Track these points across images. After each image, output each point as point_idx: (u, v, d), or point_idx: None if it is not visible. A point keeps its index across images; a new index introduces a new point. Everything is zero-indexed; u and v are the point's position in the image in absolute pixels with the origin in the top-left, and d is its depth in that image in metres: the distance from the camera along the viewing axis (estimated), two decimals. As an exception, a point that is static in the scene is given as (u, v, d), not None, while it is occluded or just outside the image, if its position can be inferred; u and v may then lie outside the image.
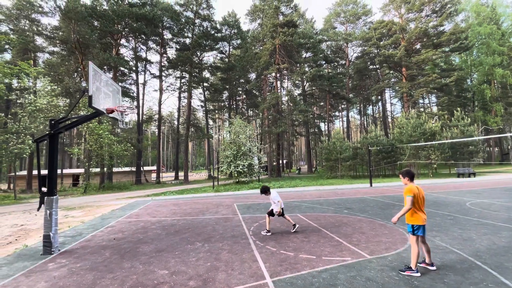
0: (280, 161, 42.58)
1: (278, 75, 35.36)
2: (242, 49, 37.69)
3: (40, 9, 25.91)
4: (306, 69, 39.18)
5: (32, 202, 17.83)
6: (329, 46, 47.79)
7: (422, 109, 47.87)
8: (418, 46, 38.00)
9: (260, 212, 9.29)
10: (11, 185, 32.81)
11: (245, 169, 23.33)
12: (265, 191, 6.58)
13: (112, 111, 6.20)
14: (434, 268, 4.04)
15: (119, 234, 6.97)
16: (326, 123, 56.38)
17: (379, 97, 51.87)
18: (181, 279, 4.01)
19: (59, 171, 34.98)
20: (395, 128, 29.39)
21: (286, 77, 43.73)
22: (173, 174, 47.20)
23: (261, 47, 35.21)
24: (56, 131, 5.89)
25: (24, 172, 32.56)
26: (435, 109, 49.15)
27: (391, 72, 43.79)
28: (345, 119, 56.20)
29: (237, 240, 5.99)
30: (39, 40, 29.94)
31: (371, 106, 60.98)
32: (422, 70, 37.61)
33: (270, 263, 4.55)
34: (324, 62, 43.28)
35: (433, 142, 21.27)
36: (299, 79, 40.95)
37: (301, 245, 5.49)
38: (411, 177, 4.08)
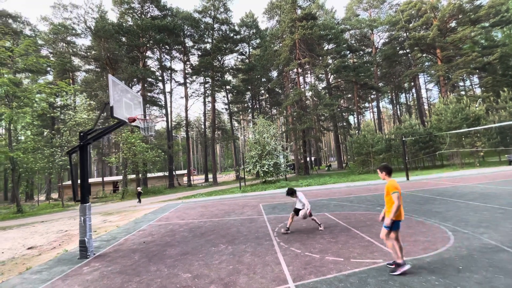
0: (308, 159, 41.68)
1: (299, 70, 34.59)
2: (261, 48, 37.55)
3: (73, 31, 28.45)
4: (330, 61, 37.81)
5: (77, 209, 19.50)
6: (352, 35, 45.60)
7: (462, 93, 43.47)
8: (453, 24, 34.57)
9: (285, 212, 9.04)
10: (62, 194, 36.38)
11: (270, 169, 23.13)
12: (291, 193, 6.44)
13: (134, 120, 6.44)
14: (393, 266, 3.80)
15: (149, 237, 7.23)
16: (355, 116, 53.94)
17: (412, 83, 48.20)
18: (202, 283, 3.97)
19: (100, 179, 37.99)
20: (433, 116, 27.04)
21: (309, 72, 42.67)
22: (203, 176, 48.67)
23: (280, 44, 34.76)
24: (86, 142, 6.27)
25: (70, 182, 35.74)
26: (478, 91, 44.37)
27: (423, 55, 40.45)
28: (375, 110, 53.29)
29: (260, 242, 5.85)
30: (76, 60, 32.82)
31: (403, 94, 57.00)
32: (459, 49, 34.13)
33: (294, 266, 4.32)
34: (348, 52, 41.38)
35: (478, 128, 19.13)
36: (322, 72, 39.65)
37: (328, 246, 5.17)
38: (389, 171, 3.89)
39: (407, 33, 38.06)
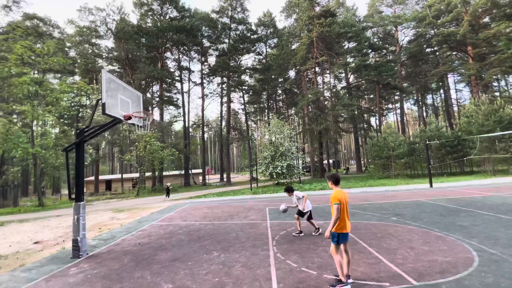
0: (326, 161, 40.41)
1: (317, 69, 33.59)
2: (278, 47, 36.99)
3: (95, 33, 29.66)
4: (349, 60, 36.36)
5: (95, 204, 20.16)
6: (375, 33, 43.55)
7: (496, 93, 39.99)
8: (486, 19, 31.81)
9: (291, 218, 8.48)
10: (85, 189, 38.15)
11: (283, 170, 22.50)
12: (288, 190, 6.48)
13: (129, 118, 6.25)
14: (351, 280, 3.64)
15: (145, 239, 7.03)
16: (377, 117, 51.60)
17: (440, 83, 45.18)
18: (180, 297, 3.61)
19: (119, 175, 39.34)
20: (462, 118, 24.96)
21: (328, 71, 41.37)
22: (219, 176, 48.93)
23: (298, 43, 33.99)
24: (82, 139, 6.18)
25: (92, 178, 37.38)
26: (515, 91, 40.57)
27: (453, 53, 37.68)
28: (399, 111, 50.61)
29: (256, 251, 5.39)
30: (100, 62, 34.21)
31: (430, 95, 53.60)
32: (493, 47, 31.29)
33: (286, 283, 3.84)
34: (370, 50, 39.58)
35: (515, 131, 17.20)
36: (342, 71, 38.25)
37: (328, 261, 4.61)
38: (335, 180, 3.78)
39: (435, 30, 35.67)
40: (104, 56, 32.72)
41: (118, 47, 26.02)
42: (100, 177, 37.29)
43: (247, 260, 4.90)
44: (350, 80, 41.07)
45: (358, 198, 12.44)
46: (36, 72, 22.92)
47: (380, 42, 42.93)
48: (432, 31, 36.77)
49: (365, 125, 46.54)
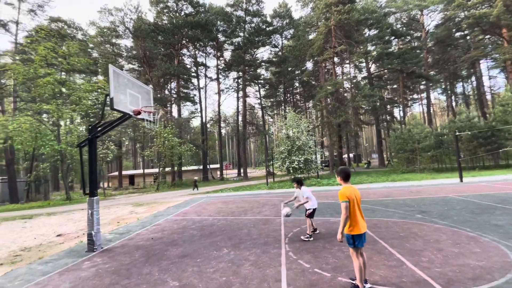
0: (346, 155, 39.19)
1: (335, 59, 32.31)
2: (294, 38, 36.00)
3: (115, 33, 30.57)
4: (370, 48, 34.57)
5: (117, 198, 20.99)
6: (398, 19, 40.96)
7: (538, 78, 36.22)
8: (526, -3, 28.61)
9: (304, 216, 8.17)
10: (109, 183, 40.11)
11: (301, 165, 22.01)
12: (297, 181, 5.99)
13: (139, 113, 6.21)
14: (368, 285, 3.33)
15: (158, 234, 7.06)
16: (400, 108, 48.99)
17: (471, 70, 41.79)
18: (185, 297, 3.47)
19: (141, 171, 40.77)
20: (497, 107, 22.92)
21: (347, 61, 39.69)
22: (237, 171, 49.27)
23: (315, 32, 32.84)
24: (94, 135, 6.24)
25: (116, 173, 39.07)
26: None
27: (486, 36, 34.55)
28: (425, 101, 47.69)
29: (267, 249, 5.17)
30: (120, 61, 35.33)
31: (461, 83, 49.86)
32: (533, 27, 28.25)
33: (296, 286, 3.57)
34: (392, 37, 37.35)
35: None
36: (362, 60, 36.51)
37: (344, 262, 4.27)
38: (345, 176, 3.40)
39: (465, 12, 32.82)
40: (124, 55, 33.72)
41: (136, 46, 26.68)
42: (124, 172, 38.95)
43: (257, 259, 4.68)
44: (372, 69, 39.14)
45: (379, 194, 11.80)
46: (62, 73, 24.15)
47: (404, 28, 40.35)
48: (462, 14, 33.87)
49: (387, 117, 44.44)
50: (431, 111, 45.68)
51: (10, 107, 22.46)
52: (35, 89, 16.02)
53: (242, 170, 36.42)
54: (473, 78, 44.39)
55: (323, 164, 39.88)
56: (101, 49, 31.34)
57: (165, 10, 32.29)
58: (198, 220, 8.45)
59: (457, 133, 17.02)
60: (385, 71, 38.87)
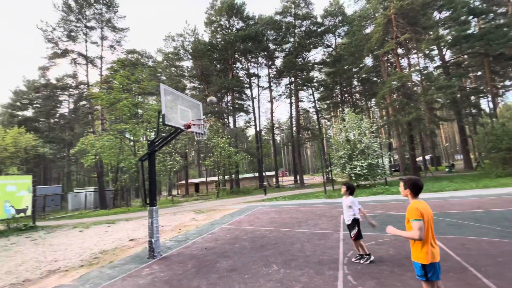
0: (420, 158, 34.24)
1: (399, 50, 28.83)
2: (349, 34, 33.77)
3: (177, 56, 34.24)
4: (443, 32, 29.69)
5: (183, 205, 22.82)
6: (476, -6, 34.30)
7: None
8: None
9: (370, 230, 7.13)
10: (178, 191, 44.34)
11: (364, 171, 19.95)
12: (349, 187, 4.94)
13: (189, 126, 6.47)
14: None
15: (212, 243, 7.14)
16: (489, 99, 40.36)
17: None
18: (228, 320, 3.23)
19: (204, 179, 43.75)
20: None
21: (415, 51, 34.96)
22: (293, 178, 48.28)
23: (372, 25, 30.14)
24: (153, 149, 6.76)
25: (183, 182, 42.90)
26: None
27: None
28: (524, 87, 38.10)
29: (322, 270, 4.56)
30: (183, 80, 39.30)
31: None
32: None
33: (354, 321, 2.94)
34: (471, 17, 31.34)
35: None
36: (433, 47, 31.61)
37: (420, 295, 3.38)
38: (416, 190, 2.59)
39: None
40: (185, 75, 37.37)
41: (195, 65, 29.26)
42: (190, 181, 42.56)
43: (309, 281, 4.16)
44: (446, 57, 33.57)
45: (467, 204, 9.61)
46: (139, 96, 28.36)
47: (484, 5, 33.43)
48: None
49: (472, 110, 37.20)
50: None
51: (99, 128, 27.43)
52: (115, 112, 19.18)
53: (298, 177, 35.42)
54: None
55: (392, 169, 35.65)
56: (167, 72, 35.45)
57: (218, 29, 34.68)
58: (250, 231, 8.28)
59: None
60: (465, 56, 32.80)
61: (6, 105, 41.62)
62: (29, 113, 41.98)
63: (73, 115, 37.83)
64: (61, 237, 10.61)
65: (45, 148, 33.79)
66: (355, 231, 4.76)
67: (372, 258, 4.69)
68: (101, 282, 4.92)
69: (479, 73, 39.23)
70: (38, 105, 41.12)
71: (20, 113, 41.34)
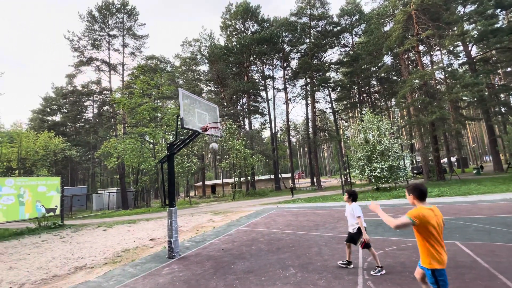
0: (445, 159, 32.60)
1: (420, 48, 27.71)
2: (367, 33, 32.95)
3: (194, 61, 35.08)
4: (468, 27, 28.19)
5: (200, 206, 23.20)
6: (505, -15, 32.25)
7: None
8: None
9: (392, 234, 6.89)
10: (196, 192, 45.14)
11: (384, 173, 19.29)
12: (351, 194, 4.90)
13: (206, 129, 6.61)
14: None
15: (229, 244, 7.21)
16: (521, 96, 37.70)
17: None
18: (245, 321, 3.25)
19: (220, 181, 44.24)
20: None
21: (438, 47, 33.44)
22: (310, 180, 47.63)
23: (391, 23, 29.22)
24: (172, 152, 6.96)
25: (200, 183, 43.64)
26: None
27: None
28: None
29: (340, 274, 4.48)
30: (200, 84, 40.17)
31: None
32: None
33: (375, 329, 2.86)
34: (498, 10, 29.53)
35: None
36: (457, 44, 30.09)
37: (446, 304, 3.22)
38: (419, 194, 2.60)
39: None
40: (202, 79, 38.16)
41: (211, 69, 29.87)
42: (207, 182, 43.23)
43: (327, 285, 4.09)
44: (472, 53, 31.84)
45: (497, 209, 9.02)
46: (158, 101, 29.35)
47: None
48: None
49: (502, 108, 34.96)
50: None
51: (121, 132, 28.72)
52: (136, 116, 20.03)
53: (315, 179, 34.90)
54: None
55: (415, 171, 34.19)
56: (185, 76, 36.39)
57: (234, 33, 35.15)
58: (267, 233, 8.27)
59: None
60: (493, 52, 30.94)
61: (37, 111, 44.62)
62: (57, 118, 44.73)
63: (97, 120, 39.83)
64: (87, 235, 11.16)
65: (72, 151, 35.82)
66: (362, 239, 4.57)
67: (383, 271, 4.36)
68: (124, 279, 5.12)
69: (509, 69, 36.79)
70: (66, 111, 43.72)
71: (49, 118, 44.12)
